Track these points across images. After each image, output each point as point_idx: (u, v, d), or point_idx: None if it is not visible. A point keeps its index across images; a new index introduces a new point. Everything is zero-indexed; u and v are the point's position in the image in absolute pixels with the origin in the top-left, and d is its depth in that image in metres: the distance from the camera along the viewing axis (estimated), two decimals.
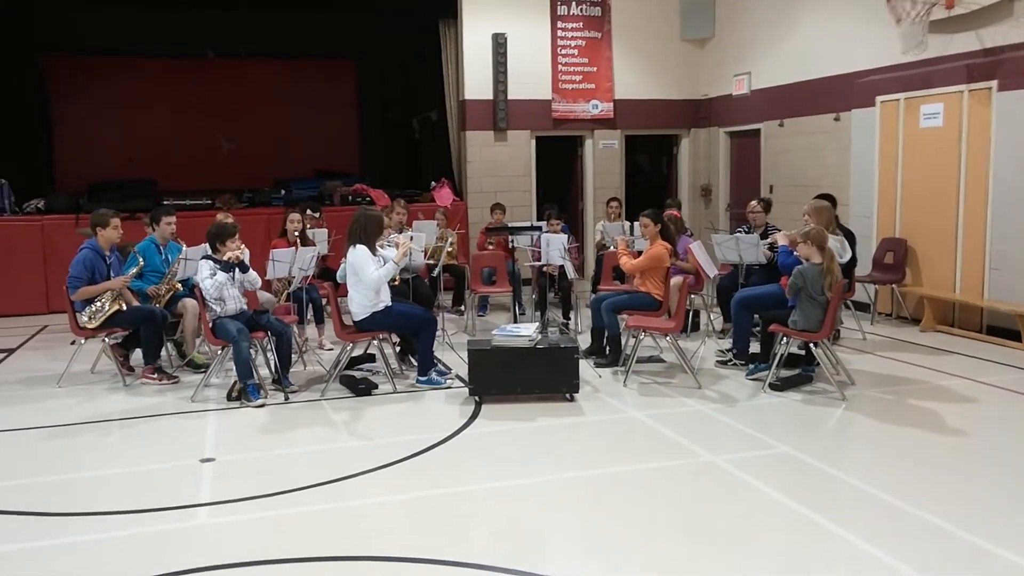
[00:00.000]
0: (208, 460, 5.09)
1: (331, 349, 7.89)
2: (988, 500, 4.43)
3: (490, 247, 9.91)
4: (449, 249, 8.95)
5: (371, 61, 15.28)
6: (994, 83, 8.09)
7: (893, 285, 9.11)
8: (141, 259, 6.94)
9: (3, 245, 10.10)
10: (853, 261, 7.74)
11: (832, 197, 8.10)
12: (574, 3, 12.16)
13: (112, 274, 6.86)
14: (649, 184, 13.56)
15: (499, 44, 11.80)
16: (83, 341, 6.95)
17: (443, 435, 5.49)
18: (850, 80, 9.84)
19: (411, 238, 7.32)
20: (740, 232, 8.36)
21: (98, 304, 6.66)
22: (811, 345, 6.57)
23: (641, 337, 6.97)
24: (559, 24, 12.12)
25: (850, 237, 7.71)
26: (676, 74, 12.81)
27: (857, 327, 8.41)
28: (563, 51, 12.17)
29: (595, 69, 12.32)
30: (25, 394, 6.71)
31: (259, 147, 14.83)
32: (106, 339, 6.87)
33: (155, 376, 6.81)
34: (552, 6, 12.07)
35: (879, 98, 9.40)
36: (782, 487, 4.54)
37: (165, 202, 9.85)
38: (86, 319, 6.65)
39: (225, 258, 6.41)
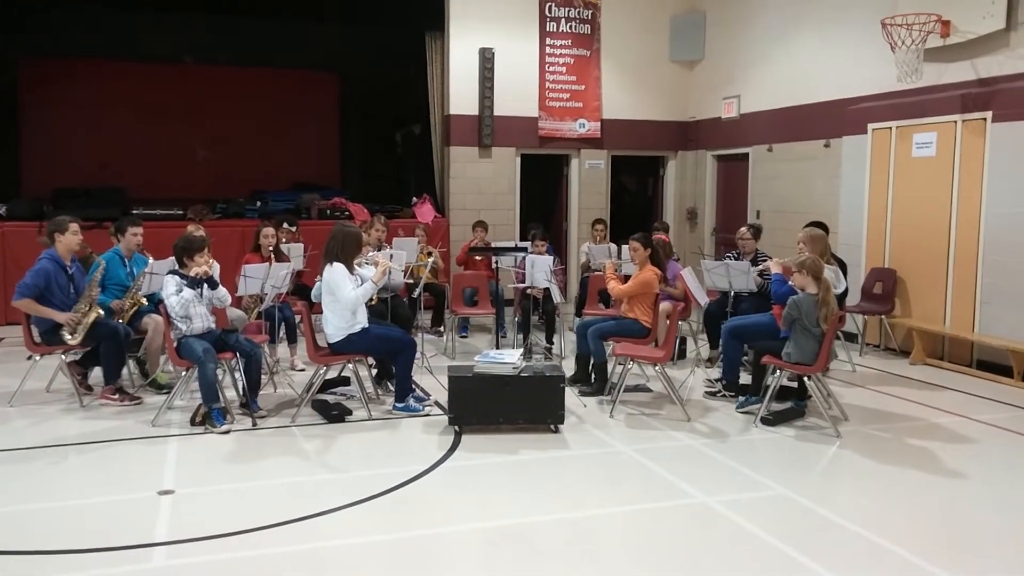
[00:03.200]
0: (167, 492, 4.74)
1: (303, 370, 7.56)
2: (991, 548, 4.21)
3: (478, 258, 9.63)
4: (432, 266, 8.67)
5: (354, 72, 15.01)
6: (988, 114, 7.98)
7: (882, 316, 8.94)
8: (103, 262, 6.56)
9: None
10: (845, 291, 7.56)
11: (824, 225, 7.92)
12: (563, 20, 11.97)
13: (74, 285, 6.49)
14: (634, 205, 13.37)
15: (486, 59, 11.58)
16: (38, 357, 6.55)
17: (420, 468, 5.18)
18: (842, 106, 9.72)
19: (391, 256, 7.05)
20: (729, 258, 8.17)
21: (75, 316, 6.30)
22: (804, 378, 6.35)
23: (629, 366, 6.71)
24: (547, 41, 11.93)
25: (843, 267, 7.53)
26: (664, 95, 12.66)
27: (847, 359, 8.22)
28: (551, 68, 11.97)
29: (583, 88, 12.13)
30: None
31: (236, 157, 14.49)
32: (63, 356, 6.49)
33: (115, 397, 6.43)
34: (541, 22, 11.88)
35: (871, 125, 9.28)
36: (780, 533, 4.28)
37: (134, 211, 9.46)
38: (68, 335, 6.26)
39: (192, 273, 6.06)
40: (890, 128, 9.01)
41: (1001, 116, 7.85)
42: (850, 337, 8.93)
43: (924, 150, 8.64)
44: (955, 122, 8.29)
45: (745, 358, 7.17)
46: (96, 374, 6.72)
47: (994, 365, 7.89)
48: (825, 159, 10.07)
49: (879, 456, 5.61)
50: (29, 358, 6.64)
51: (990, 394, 7.28)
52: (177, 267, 6.18)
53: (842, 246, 9.33)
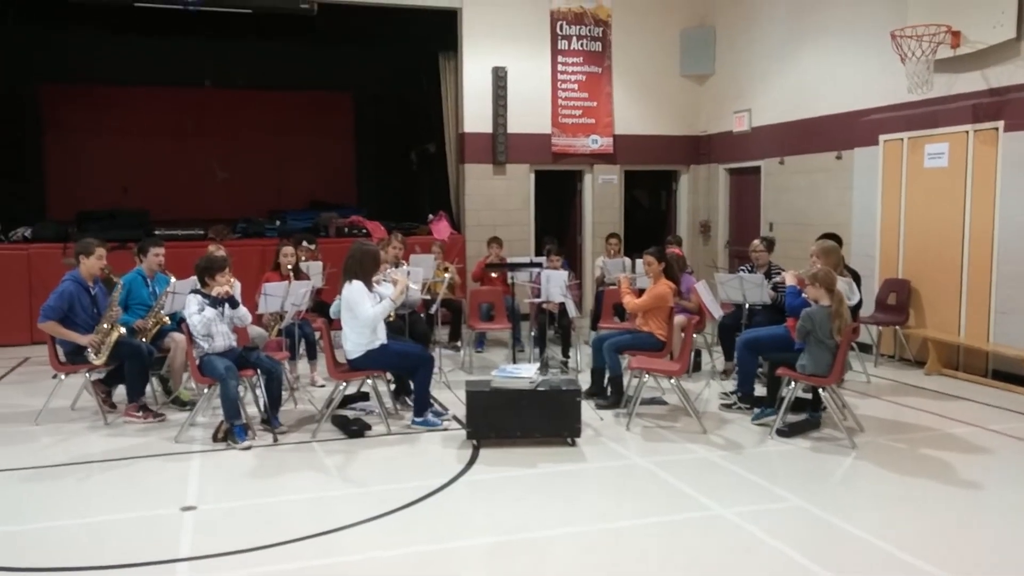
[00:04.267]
0: (189, 508, 4.83)
1: (323, 386, 7.65)
2: (1007, 558, 4.22)
3: (494, 275, 9.73)
4: (449, 282, 8.77)
5: (369, 93, 15.23)
6: (1000, 123, 7.99)
7: (896, 327, 8.93)
8: (120, 283, 6.71)
9: None
10: (859, 302, 7.57)
11: (838, 237, 7.95)
12: (575, 38, 12.10)
13: (97, 306, 6.63)
14: (647, 220, 13.44)
15: (499, 77, 11.72)
16: (63, 376, 6.69)
17: (440, 482, 5.24)
18: (853, 118, 9.76)
19: (408, 273, 7.14)
20: (743, 271, 8.21)
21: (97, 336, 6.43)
22: (818, 389, 6.37)
23: (645, 380, 6.76)
24: (559, 58, 12.06)
25: (856, 278, 7.55)
26: (676, 110, 12.74)
27: (861, 369, 8.22)
28: (563, 85, 12.09)
29: (595, 104, 12.24)
30: (0, 432, 6.39)
31: (255, 177, 14.74)
32: (88, 374, 6.61)
33: (139, 414, 6.55)
34: (553, 40, 12.02)
35: (883, 137, 9.31)
36: (797, 544, 4.31)
37: (156, 232, 9.64)
38: (93, 355, 6.40)
39: (214, 293, 6.19)
40: (901, 139, 9.04)
41: (1013, 125, 7.86)
42: (864, 348, 8.93)
43: (936, 161, 8.66)
44: (967, 132, 8.31)
45: (760, 370, 7.19)
46: (120, 392, 6.85)
47: (1010, 375, 7.87)
48: (837, 171, 10.10)
49: (895, 467, 5.62)
50: (54, 377, 6.78)
51: (1006, 404, 7.25)
52: (199, 286, 6.31)
53: (855, 257, 9.34)
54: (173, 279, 7.05)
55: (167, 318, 6.96)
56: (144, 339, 6.79)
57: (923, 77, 8.30)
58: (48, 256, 9.82)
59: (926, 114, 8.74)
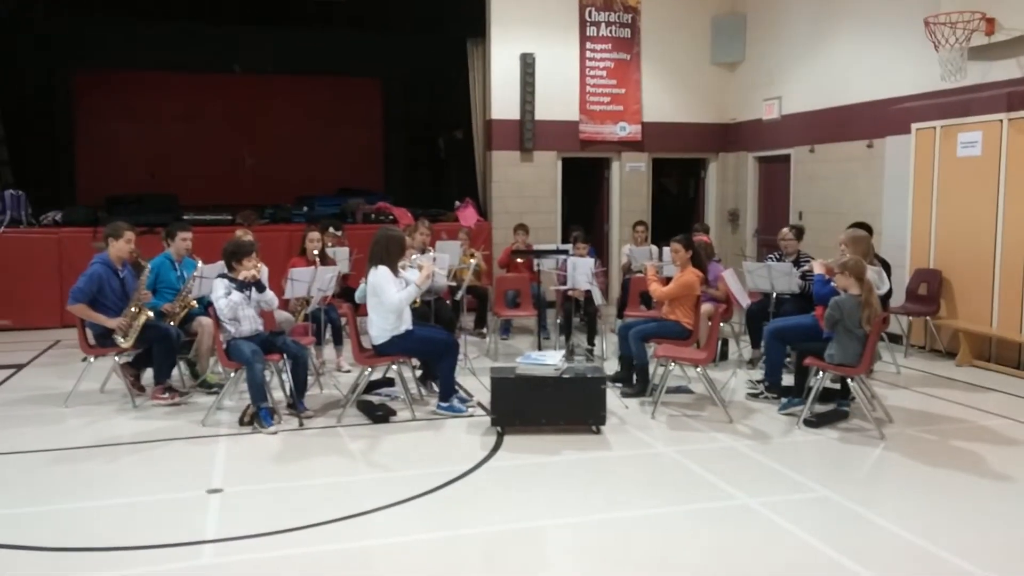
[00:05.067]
0: (216, 491, 4.88)
1: (349, 371, 7.69)
2: None
3: (519, 261, 9.71)
4: (475, 269, 8.77)
5: (397, 79, 15.25)
6: None
7: (927, 317, 8.80)
8: (148, 266, 6.78)
9: (19, 257, 9.96)
10: (889, 292, 7.47)
11: (868, 226, 7.84)
12: (603, 24, 12.00)
13: (126, 289, 6.70)
14: (675, 208, 13.33)
15: (527, 64, 11.66)
16: (92, 359, 6.77)
17: (464, 468, 5.25)
18: (885, 106, 9.60)
19: (433, 259, 7.14)
20: (771, 259, 8.12)
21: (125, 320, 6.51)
22: (847, 379, 6.29)
23: (671, 368, 6.72)
24: (588, 45, 11.97)
25: (886, 267, 7.45)
26: (705, 97, 12.62)
27: (891, 360, 8.11)
28: (591, 72, 12.01)
29: (623, 91, 12.15)
30: (31, 414, 6.50)
31: (283, 163, 14.81)
32: (117, 357, 6.69)
33: (166, 396, 6.62)
34: (581, 27, 11.93)
35: (915, 125, 9.15)
36: (823, 535, 4.27)
37: (184, 217, 9.72)
38: (121, 338, 6.47)
39: (241, 277, 6.23)
40: (934, 128, 8.88)
41: None
42: (895, 339, 8.81)
43: (969, 149, 8.50)
44: (1001, 121, 8.14)
45: (788, 359, 7.12)
46: (148, 375, 6.90)
47: None
48: (868, 160, 9.95)
49: (924, 458, 5.54)
50: (84, 360, 6.87)
51: None
52: (226, 271, 6.35)
53: (886, 247, 9.20)
54: (200, 263, 7.11)
55: (195, 302, 7.02)
56: (172, 323, 6.86)
57: (957, 65, 8.14)
58: (78, 240, 9.92)
59: (959, 102, 8.57)
